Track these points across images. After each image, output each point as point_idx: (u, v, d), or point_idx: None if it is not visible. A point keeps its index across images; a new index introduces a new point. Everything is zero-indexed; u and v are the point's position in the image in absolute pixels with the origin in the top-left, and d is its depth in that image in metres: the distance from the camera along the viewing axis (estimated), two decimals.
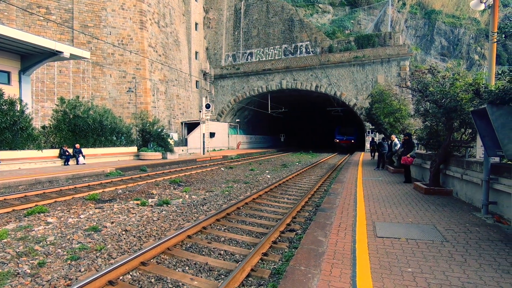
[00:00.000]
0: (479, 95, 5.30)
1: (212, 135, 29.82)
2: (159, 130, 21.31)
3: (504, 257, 3.87)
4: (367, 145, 29.70)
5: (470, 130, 7.79)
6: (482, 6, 6.77)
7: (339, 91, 32.33)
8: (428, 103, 8.76)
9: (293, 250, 4.79)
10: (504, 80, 4.48)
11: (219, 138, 33.62)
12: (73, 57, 15.40)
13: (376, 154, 17.29)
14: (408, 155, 9.82)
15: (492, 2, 6.42)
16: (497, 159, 6.13)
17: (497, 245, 4.34)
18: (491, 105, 4.59)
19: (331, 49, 33.25)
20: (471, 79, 6.37)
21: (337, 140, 38.81)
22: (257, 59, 37.00)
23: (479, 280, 3.27)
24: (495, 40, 4.99)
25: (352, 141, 37.77)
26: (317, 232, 4.83)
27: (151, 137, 20.93)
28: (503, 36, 4.41)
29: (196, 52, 36.62)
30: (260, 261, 4.48)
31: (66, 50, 14.55)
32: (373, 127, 20.41)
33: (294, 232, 5.82)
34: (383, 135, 17.61)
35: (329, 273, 3.43)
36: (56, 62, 21.20)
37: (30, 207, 7.26)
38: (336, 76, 32.52)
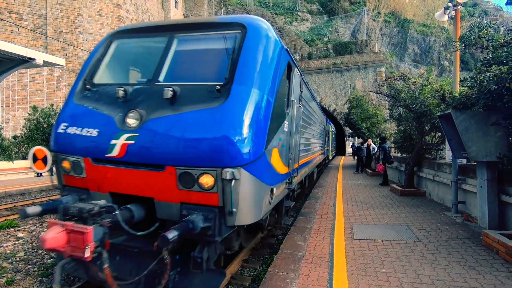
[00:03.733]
0: (444, 101, 5.63)
1: None
2: None
3: (471, 254, 4.09)
4: (348, 149, 30.83)
5: (439, 134, 8.21)
6: (446, 17, 7.24)
7: (319, 96, 33.04)
8: (401, 108, 9.16)
9: (274, 255, 4.83)
10: (466, 86, 4.78)
11: None
12: (46, 64, 14.85)
13: (356, 157, 17.82)
14: (380, 163, 10.29)
15: (454, 14, 6.89)
16: (464, 161, 6.50)
17: (464, 242, 4.57)
18: (455, 110, 4.88)
19: (311, 56, 34.03)
20: (438, 86, 6.77)
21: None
22: None
23: (447, 277, 3.44)
24: (458, 49, 5.33)
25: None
26: (297, 237, 4.90)
27: None
28: (463, 45, 4.74)
29: None
30: (240, 268, 4.47)
31: (39, 57, 14.01)
32: (352, 131, 21.00)
33: (275, 237, 5.86)
34: (361, 139, 18.16)
35: (307, 277, 3.49)
36: (28, 69, 20.37)
37: None
38: (316, 82, 33.25)
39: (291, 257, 4.07)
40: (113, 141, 2.91)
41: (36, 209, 2.82)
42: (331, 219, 6.04)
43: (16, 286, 4.01)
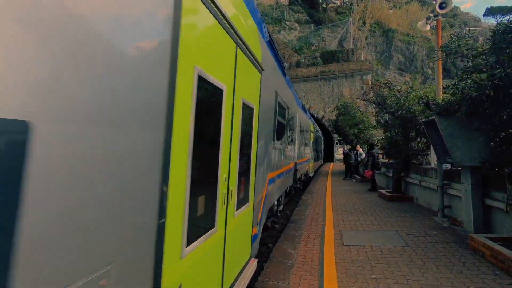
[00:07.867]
0: (428, 107, 5.78)
1: None
2: None
3: (458, 258, 4.14)
4: (337, 156, 31.24)
5: (425, 140, 8.39)
6: (428, 27, 7.49)
7: (308, 104, 33.42)
8: (387, 115, 9.34)
9: (264, 264, 4.76)
10: (449, 93, 4.92)
11: None
12: None
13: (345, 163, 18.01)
14: (369, 169, 10.45)
15: (436, 24, 7.14)
16: (449, 166, 6.64)
17: (452, 246, 4.63)
18: (439, 116, 5.00)
19: (299, 64, 34.55)
20: (422, 93, 6.95)
21: None
22: None
23: (436, 281, 3.46)
24: (440, 57, 5.51)
25: None
26: (287, 245, 4.86)
27: None
28: (445, 54, 4.90)
29: None
30: None
31: None
32: (341, 138, 21.28)
33: (265, 246, 5.79)
34: (349, 146, 18.39)
35: (298, 285, 3.45)
36: None
37: None
38: (305, 90, 33.69)
39: (282, 265, 4.02)
40: None
41: None
42: (321, 225, 6.03)
43: None
